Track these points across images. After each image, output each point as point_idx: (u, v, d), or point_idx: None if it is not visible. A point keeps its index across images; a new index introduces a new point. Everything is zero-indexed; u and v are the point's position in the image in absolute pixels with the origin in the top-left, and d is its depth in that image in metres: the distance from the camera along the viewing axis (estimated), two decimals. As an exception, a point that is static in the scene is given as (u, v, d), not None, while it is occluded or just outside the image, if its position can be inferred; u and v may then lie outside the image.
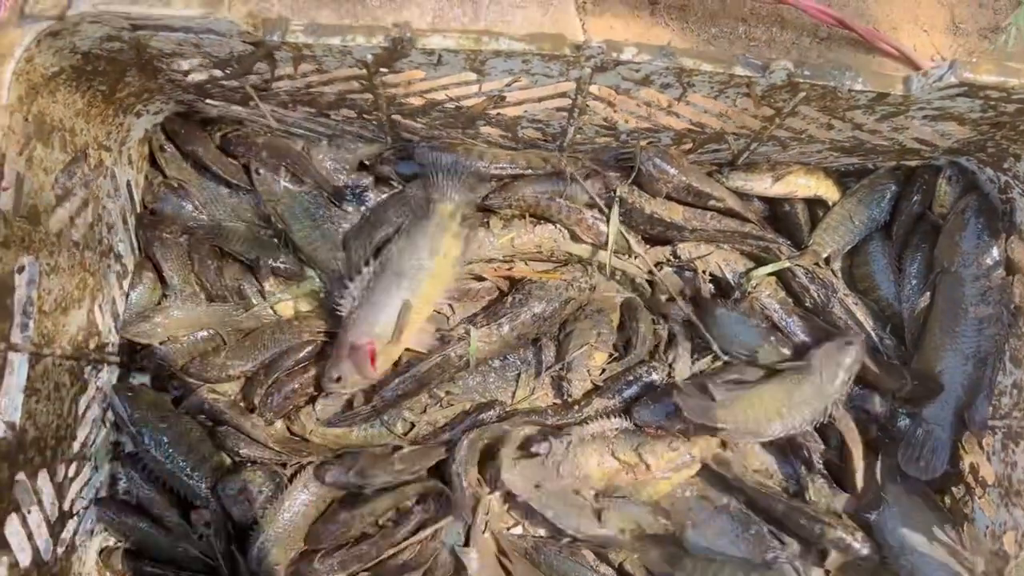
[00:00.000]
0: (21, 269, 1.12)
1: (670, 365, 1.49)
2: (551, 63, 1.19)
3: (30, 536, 1.20)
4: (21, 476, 1.16)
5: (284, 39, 1.14)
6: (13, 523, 1.15)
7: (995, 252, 1.37)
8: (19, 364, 1.13)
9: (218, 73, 1.27)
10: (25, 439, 1.17)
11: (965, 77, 1.11)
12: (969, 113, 1.23)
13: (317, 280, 1.53)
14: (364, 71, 1.23)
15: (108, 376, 1.44)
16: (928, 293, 1.44)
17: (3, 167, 1.05)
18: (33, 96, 1.11)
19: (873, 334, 1.45)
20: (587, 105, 1.32)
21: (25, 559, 1.20)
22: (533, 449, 1.39)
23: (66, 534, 1.32)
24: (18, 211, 1.10)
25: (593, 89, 1.26)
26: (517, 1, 1.69)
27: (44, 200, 1.17)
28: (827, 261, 1.49)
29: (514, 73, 1.22)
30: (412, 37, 1.13)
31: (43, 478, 1.23)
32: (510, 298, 1.49)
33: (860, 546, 1.35)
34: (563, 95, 1.29)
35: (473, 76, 1.24)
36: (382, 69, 1.22)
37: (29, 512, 1.19)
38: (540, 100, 1.32)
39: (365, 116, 1.42)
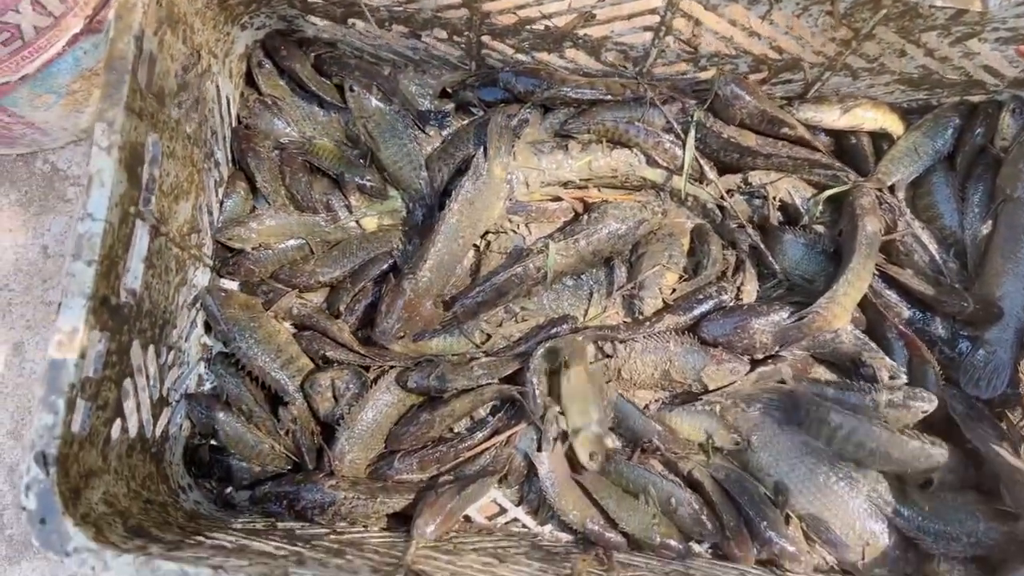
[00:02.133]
0: (148, 145, 1.19)
1: (738, 288, 1.54)
2: (648, -28, 1.26)
3: (139, 407, 1.26)
4: (136, 344, 1.22)
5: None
6: (127, 390, 1.21)
7: (1058, 178, 1.43)
8: (142, 234, 1.20)
9: (330, -21, 1.35)
10: (142, 309, 1.23)
11: (1043, -10, 1.18)
12: (1041, 34, 1.29)
13: (399, 199, 1.59)
14: (471, -23, 1.30)
15: (203, 277, 1.50)
16: (990, 221, 1.50)
17: (142, 41, 1.12)
18: (167, -17, 1.19)
19: (937, 257, 1.51)
20: (672, 25, 1.39)
21: (133, 429, 1.26)
22: (605, 350, 1.46)
23: (162, 420, 1.38)
24: (150, 88, 1.17)
25: (683, 5, 1.34)
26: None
27: (169, 85, 1.24)
28: (892, 190, 1.55)
29: (610, -16, 1.30)
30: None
31: (151, 354, 1.29)
32: (586, 216, 1.56)
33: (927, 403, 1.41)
34: (652, 11, 1.36)
35: (571, -14, 1.32)
36: (490, -26, 1.30)
37: (138, 383, 1.25)
38: (629, 17, 1.39)
39: (455, 38, 1.50)
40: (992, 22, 1.27)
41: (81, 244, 1.06)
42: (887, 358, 1.48)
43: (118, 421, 1.20)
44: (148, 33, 1.14)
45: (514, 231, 1.60)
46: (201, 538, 1.19)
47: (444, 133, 1.62)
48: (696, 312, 1.52)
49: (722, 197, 1.57)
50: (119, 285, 1.14)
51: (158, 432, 1.36)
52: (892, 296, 1.51)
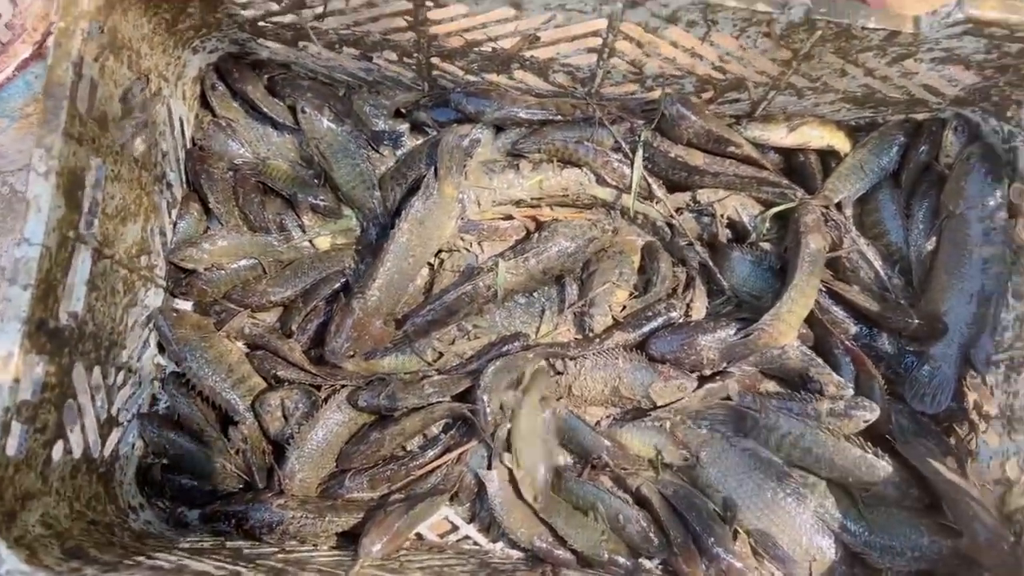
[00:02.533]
0: (90, 169, 1.21)
1: (688, 305, 1.56)
2: (585, -3, 1.28)
3: (83, 427, 1.27)
4: (79, 366, 1.24)
5: (341, -34, 1.24)
6: (72, 410, 1.23)
7: (998, 195, 1.45)
8: (83, 258, 1.21)
9: (273, 6, 1.37)
10: (85, 331, 1.24)
11: (970, 13, 1.20)
12: (974, 55, 1.31)
13: (353, 217, 1.61)
14: (411, 5, 1.32)
15: (155, 298, 1.51)
16: (934, 237, 1.52)
17: (81, 67, 1.14)
18: (109, 10, 1.20)
19: (882, 273, 1.53)
20: (616, 47, 1.41)
21: (77, 450, 1.27)
22: (556, 367, 1.48)
23: (111, 440, 1.39)
24: (91, 113, 1.19)
25: (623, 28, 1.35)
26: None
27: (112, 110, 1.26)
28: (839, 207, 1.57)
29: (551, 7, 1.31)
30: (458, -34, 1.23)
31: (96, 375, 1.30)
32: (537, 235, 1.57)
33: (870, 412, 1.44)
34: (595, 34, 1.38)
35: (512, 12, 1.33)
36: (428, 3, 1.32)
37: (83, 404, 1.26)
38: (573, 39, 1.41)
39: (405, 59, 1.51)
40: (925, 43, 1.29)
41: (17, 269, 1.07)
42: (834, 374, 1.50)
43: (60, 443, 1.21)
44: (88, 59, 1.16)
45: (467, 249, 1.62)
46: (143, 558, 1.20)
47: (398, 153, 1.64)
48: (645, 329, 1.54)
49: (671, 215, 1.58)
50: (58, 308, 1.16)
51: (107, 452, 1.37)
52: (839, 312, 1.53)
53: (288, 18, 1.40)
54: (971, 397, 1.49)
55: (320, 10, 1.36)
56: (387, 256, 1.47)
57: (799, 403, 1.48)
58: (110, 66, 1.23)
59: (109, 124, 1.25)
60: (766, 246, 1.57)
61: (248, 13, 1.40)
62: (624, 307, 1.57)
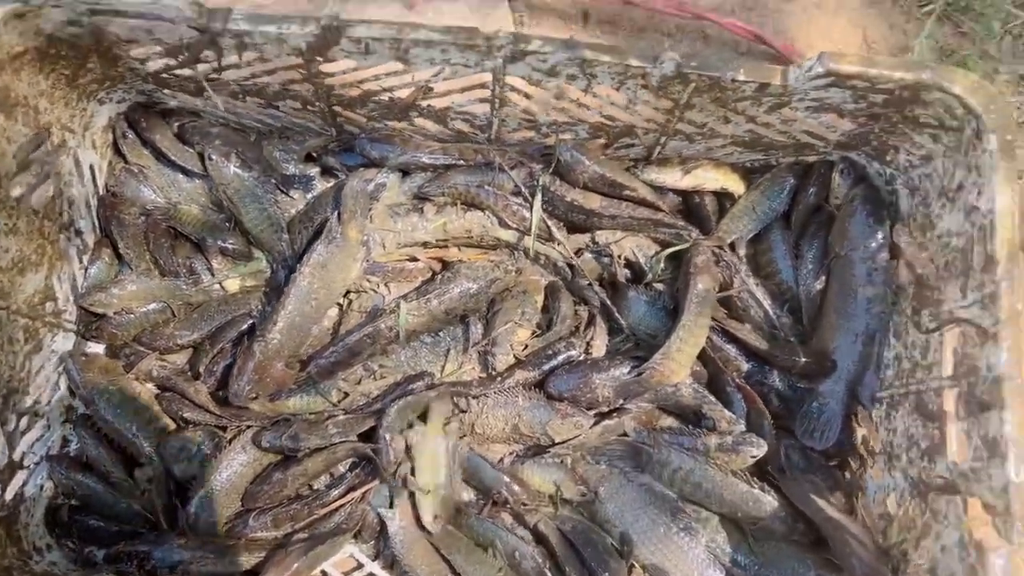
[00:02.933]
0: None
1: (588, 343, 1.60)
2: (467, 53, 1.33)
3: (-21, 475, 1.30)
4: (-28, 416, 1.27)
5: (226, 26, 1.28)
6: (-36, 459, 1.26)
7: (880, 236, 1.49)
8: (-26, 311, 1.25)
9: (172, 61, 1.41)
10: (-23, 381, 1.28)
11: (830, 67, 1.25)
12: (844, 104, 1.36)
13: (263, 260, 1.65)
14: (301, 59, 1.36)
15: (64, 343, 1.54)
16: (823, 277, 1.57)
17: (-33, 129, 1.18)
18: (-1, 71, 1.25)
19: (771, 313, 1.57)
20: (506, 97, 1.45)
21: (-26, 496, 1.30)
22: (460, 406, 1.52)
23: (15, 484, 1.42)
24: (-21, 171, 1.23)
25: (509, 80, 1.40)
26: (460, 14, 1.84)
27: (5, 166, 1.30)
28: (732, 247, 1.61)
29: (436, 63, 1.36)
30: (340, 26, 1.28)
31: (-7, 423, 1.34)
32: (440, 276, 1.62)
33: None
34: (483, 86, 1.43)
35: (400, 66, 1.38)
36: (317, 57, 1.36)
37: (-22, 453, 1.30)
38: (463, 91, 1.46)
39: (309, 107, 1.56)
40: (796, 94, 1.34)
41: None
42: (725, 410, 1.54)
43: (-47, 491, 1.24)
44: (-25, 120, 1.20)
45: (374, 291, 1.66)
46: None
47: (309, 196, 1.68)
48: (545, 367, 1.58)
49: (570, 257, 1.62)
50: (-55, 364, 1.19)
51: (8, 496, 1.40)
52: (731, 350, 1.57)
53: (188, 71, 1.45)
54: (859, 433, 1.53)
55: (215, 64, 1.41)
56: (288, 300, 1.51)
57: (689, 438, 1.52)
58: (1, 124, 1.27)
59: (1, 180, 1.29)
60: (660, 286, 1.62)
61: (149, 66, 1.44)
62: (526, 346, 1.61)
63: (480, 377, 1.61)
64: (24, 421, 1.43)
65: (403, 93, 1.48)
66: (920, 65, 1.26)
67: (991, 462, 1.18)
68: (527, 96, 1.45)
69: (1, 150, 1.28)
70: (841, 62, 1.25)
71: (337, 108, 1.55)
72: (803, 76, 1.28)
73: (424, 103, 1.51)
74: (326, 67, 1.40)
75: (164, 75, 1.47)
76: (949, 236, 1.35)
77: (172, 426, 1.57)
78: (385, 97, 1.50)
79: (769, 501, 1.46)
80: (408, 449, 1.53)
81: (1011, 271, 1.21)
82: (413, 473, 1.52)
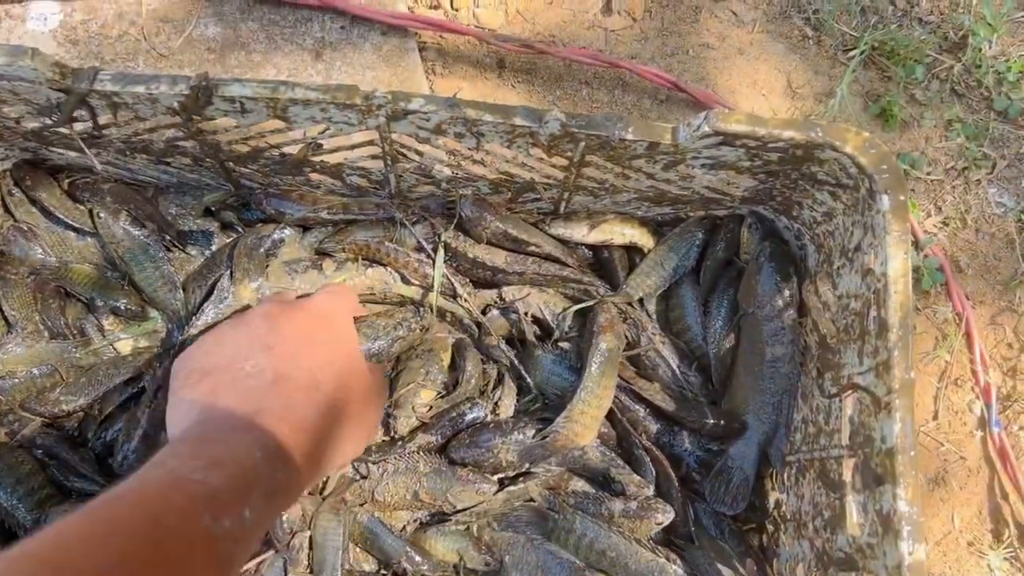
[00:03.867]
0: None
1: (496, 403, 1.54)
2: (347, 112, 1.28)
3: None
4: None
5: (92, 87, 1.23)
6: None
7: (787, 294, 1.45)
8: None
9: (46, 120, 1.36)
10: None
11: (717, 126, 1.21)
12: (739, 162, 1.32)
13: (159, 319, 1.59)
14: (178, 118, 1.32)
15: (-58, 409, 1.48)
16: (732, 335, 1.52)
17: None
18: None
19: (678, 372, 1.52)
20: (400, 153, 1.41)
21: None
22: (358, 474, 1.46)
23: None
24: None
25: (396, 137, 1.36)
26: (368, 63, 1.80)
27: None
28: (641, 303, 1.57)
29: (317, 121, 1.31)
30: (210, 85, 1.23)
31: None
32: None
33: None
34: (371, 143, 1.38)
35: (282, 124, 1.33)
36: (195, 116, 1.31)
37: None
38: (353, 148, 1.41)
39: (201, 163, 1.51)
40: (689, 152, 1.30)
41: None
42: (634, 474, 1.48)
43: None
44: None
45: (273, 350, 1.60)
46: None
47: (207, 253, 1.62)
48: (449, 431, 1.52)
49: (476, 315, 1.57)
50: None
51: None
52: (640, 411, 1.52)
53: (65, 130, 1.40)
54: (773, 497, 1.48)
55: (91, 123, 1.36)
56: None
57: (594, 503, 1.46)
58: None
59: None
60: (566, 345, 1.56)
61: (27, 125, 1.39)
62: (430, 407, 1.55)
63: (381, 440, 1.55)
64: None
65: (293, 149, 1.44)
66: (810, 124, 1.22)
67: (885, 538, 1.13)
68: (419, 153, 1.41)
69: None
70: (728, 121, 1.21)
71: (230, 164, 1.50)
72: (692, 136, 1.24)
73: (316, 159, 1.46)
74: (206, 125, 1.35)
75: (44, 133, 1.42)
76: (848, 298, 1.31)
77: (57, 496, 1.50)
78: (275, 154, 1.45)
79: (675, 570, 1.40)
80: (304, 518, 1.48)
81: (904, 338, 1.16)
82: (310, 547, 1.46)
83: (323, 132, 1.36)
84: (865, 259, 1.26)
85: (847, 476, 1.24)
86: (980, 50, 1.96)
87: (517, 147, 1.35)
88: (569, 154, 1.35)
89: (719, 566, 1.39)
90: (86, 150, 1.42)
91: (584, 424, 1.45)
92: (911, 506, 1.11)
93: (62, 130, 1.40)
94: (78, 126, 1.37)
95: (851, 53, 1.97)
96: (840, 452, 1.27)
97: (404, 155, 1.41)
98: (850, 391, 1.26)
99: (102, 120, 1.34)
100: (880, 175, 1.20)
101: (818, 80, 1.96)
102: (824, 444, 1.33)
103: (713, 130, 1.22)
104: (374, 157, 1.43)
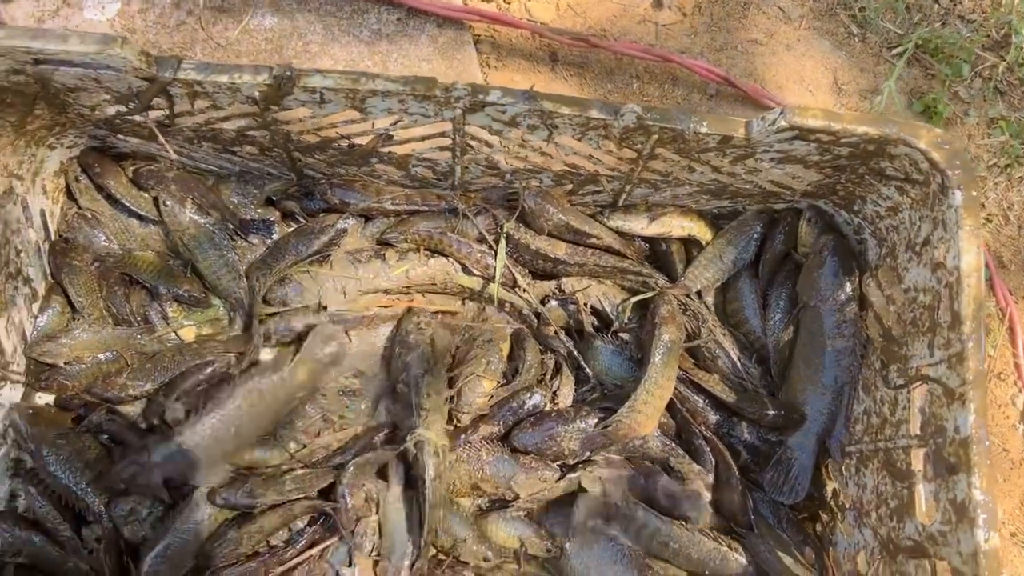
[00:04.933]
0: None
1: (554, 393, 1.56)
2: (425, 103, 1.30)
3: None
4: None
5: (176, 76, 1.25)
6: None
7: (849, 288, 1.47)
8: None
9: (122, 108, 1.38)
10: (-88, 443, 1.23)
11: (794, 121, 1.23)
12: (809, 156, 1.34)
13: (220, 307, 1.60)
14: (255, 108, 1.33)
15: (11, 394, 1.49)
16: (791, 327, 1.54)
17: (-99, 184, 1.14)
18: (-63, 122, 1.20)
19: (739, 364, 1.54)
20: (468, 145, 1.43)
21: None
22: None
23: (-43, 544, 1.37)
24: (-84, 225, 1.18)
25: (469, 129, 1.37)
26: (424, 55, 1.81)
27: (-54, 217, 1.26)
28: (699, 295, 1.59)
29: (393, 112, 1.33)
30: (294, 75, 1.25)
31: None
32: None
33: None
34: (443, 135, 1.40)
35: (357, 114, 1.35)
36: (271, 106, 1.33)
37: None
38: (423, 139, 1.43)
39: (267, 152, 1.52)
40: (760, 146, 1.32)
41: None
42: (694, 463, 1.50)
43: None
44: (-89, 173, 1.16)
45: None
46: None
47: (268, 241, 1.64)
48: (510, 420, 1.54)
49: (536, 305, 1.59)
50: None
51: (-52, 558, 1.35)
52: (699, 401, 1.54)
53: (140, 118, 1.41)
54: (830, 487, 1.50)
55: (167, 112, 1.37)
56: (207, 417, 1.45)
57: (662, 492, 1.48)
58: (-58, 175, 1.23)
59: (-59, 233, 1.25)
60: (626, 336, 1.58)
61: (99, 113, 1.40)
62: (491, 396, 1.57)
63: (446, 429, 1.57)
64: (-34, 479, 1.38)
65: (363, 140, 1.45)
66: (885, 120, 1.24)
67: (959, 526, 1.15)
68: (488, 145, 1.42)
69: (-60, 202, 1.24)
70: (805, 116, 1.24)
71: (296, 154, 1.52)
72: (766, 129, 1.26)
73: (385, 150, 1.48)
74: (281, 115, 1.37)
75: (116, 121, 1.44)
76: (916, 291, 1.33)
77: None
78: (344, 144, 1.46)
79: (736, 559, 1.42)
80: (369, 503, 1.49)
81: (978, 331, 1.18)
82: (379, 534, 1.48)
83: (396, 123, 1.38)
84: (935, 253, 1.28)
85: (916, 465, 1.27)
86: (1023, 48, 1.98)
87: (588, 139, 1.36)
88: (639, 147, 1.37)
89: (779, 553, 1.41)
90: (162, 138, 1.43)
91: (647, 414, 1.47)
92: (985, 495, 1.13)
93: (136, 118, 1.41)
94: (153, 114, 1.39)
95: (895, 50, 1.99)
96: (908, 442, 1.29)
97: (473, 147, 1.43)
98: (920, 382, 1.28)
99: (178, 108, 1.36)
100: (953, 171, 1.23)
101: (863, 77, 1.98)
102: (890, 434, 1.35)
103: (789, 124, 1.24)
104: (442, 149, 1.45)
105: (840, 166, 1.37)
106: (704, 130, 1.28)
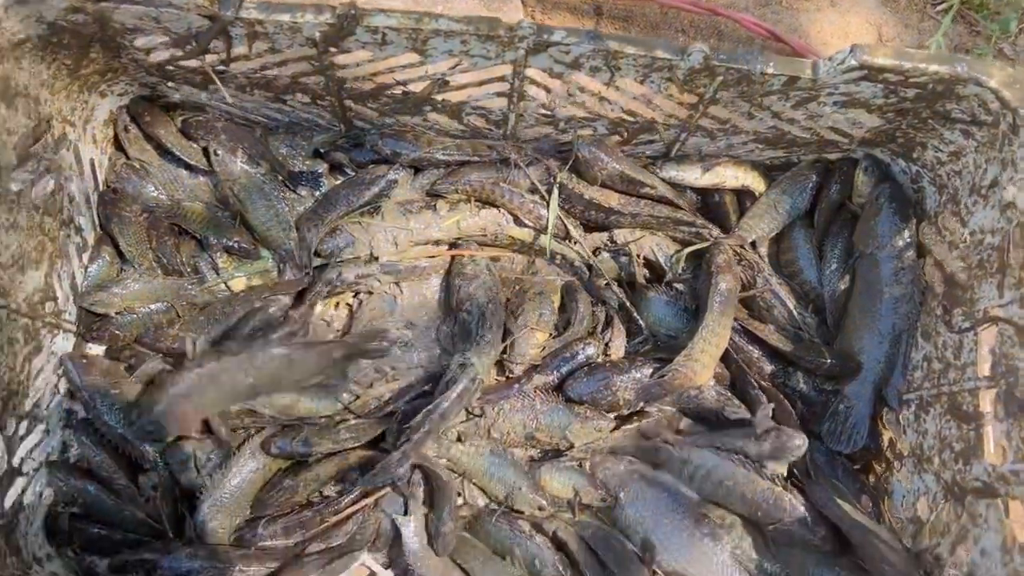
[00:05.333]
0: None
1: (607, 344, 1.56)
2: (488, 44, 1.28)
3: (-23, 482, 1.24)
4: (-30, 420, 1.21)
5: (238, 14, 1.23)
6: (-38, 464, 1.20)
7: (907, 235, 1.46)
8: (-27, 310, 1.19)
9: (178, 52, 1.36)
10: (-24, 384, 1.22)
11: (864, 59, 1.22)
12: (874, 99, 1.33)
13: (270, 259, 1.59)
14: (314, 50, 1.32)
15: (64, 344, 1.48)
16: (847, 276, 1.53)
17: (-33, 120, 1.13)
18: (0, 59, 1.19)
19: (795, 313, 1.54)
20: (525, 91, 1.41)
21: (-29, 505, 1.24)
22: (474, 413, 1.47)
23: (14, 491, 1.36)
24: (-21, 164, 1.17)
25: (529, 72, 1.36)
26: (470, 7, 1.79)
27: (4, 159, 1.24)
28: (753, 245, 1.58)
29: (454, 54, 1.32)
30: (357, 14, 1.23)
31: (-8, 428, 1.28)
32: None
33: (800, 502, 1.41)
34: (501, 79, 1.38)
35: (417, 57, 1.34)
36: (331, 48, 1.31)
37: (-24, 459, 1.24)
38: (481, 84, 1.41)
39: (319, 102, 1.51)
40: (825, 88, 1.31)
41: None
42: (749, 413, 1.50)
43: (-51, 500, 1.18)
44: (-26, 110, 1.15)
45: (385, 292, 1.61)
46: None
47: (317, 193, 1.63)
48: (563, 370, 1.53)
49: (588, 256, 1.58)
50: (-56, 363, 1.13)
51: (7, 504, 1.34)
52: (754, 351, 1.53)
53: (194, 63, 1.39)
54: (886, 436, 1.50)
55: (224, 55, 1.36)
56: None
57: (727, 438, 1.47)
58: (2, 114, 1.22)
59: (1, 173, 1.24)
60: (680, 286, 1.58)
61: (153, 58, 1.39)
62: (544, 347, 1.57)
63: (497, 381, 1.56)
64: (24, 425, 1.37)
65: (418, 87, 1.44)
66: (955, 58, 1.23)
67: (1033, 465, 1.15)
68: (546, 90, 1.41)
69: (2, 142, 1.23)
70: (875, 55, 1.22)
71: (348, 102, 1.50)
72: (834, 69, 1.25)
73: (439, 97, 1.46)
74: (339, 59, 1.35)
75: (169, 67, 1.42)
76: (983, 233, 1.32)
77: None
78: (399, 91, 1.45)
79: (789, 499, 1.41)
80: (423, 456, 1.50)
81: (1052, 268, 1.18)
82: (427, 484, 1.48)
83: (455, 67, 1.36)
84: (1003, 194, 1.27)
85: (985, 407, 1.26)
86: (1068, 4, 1.97)
87: (651, 82, 1.35)
88: (701, 90, 1.35)
89: (839, 501, 1.41)
90: (218, 81, 1.42)
91: (703, 363, 1.46)
92: (1061, 432, 1.13)
93: (190, 63, 1.40)
94: (209, 58, 1.37)
95: (940, 6, 1.97)
96: (976, 384, 1.28)
97: (530, 94, 1.42)
98: (988, 324, 1.27)
99: (236, 52, 1.34)
100: (1025, 109, 1.21)
101: (908, 33, 1.97)
102: (954, 378, 1.34)
103: (859, 63, 1.22)
104: (499, 94, 1.43)
105: (903, 110, 1.35)
106: (771, 70, 1.27)
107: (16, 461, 1.36)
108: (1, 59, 1.19)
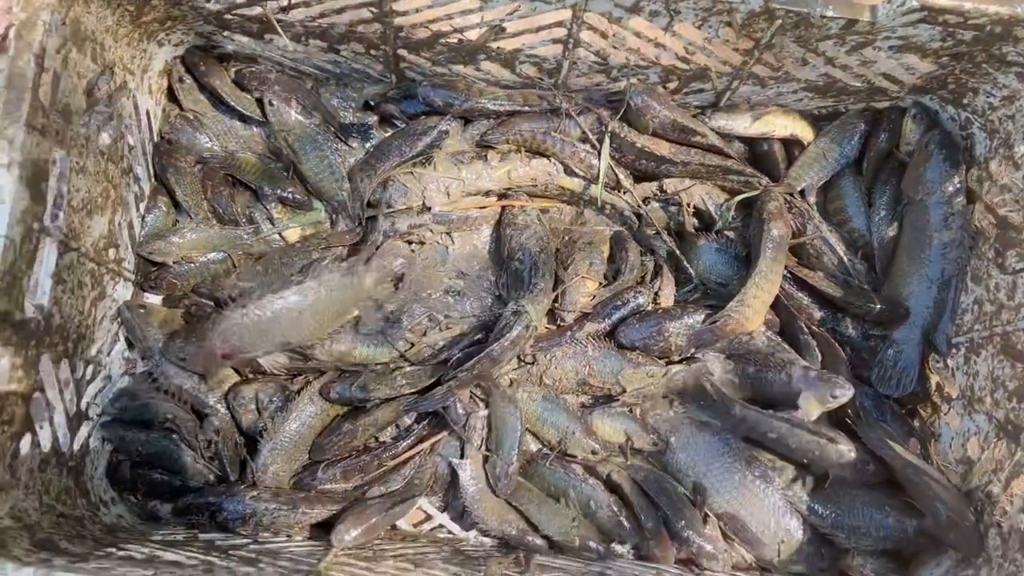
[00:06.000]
0: (54, 161, 1.21)
1: (656, 293, 1.58)
2: (549, -14, 1.29)
3: (51, 421, 1.26)
4: (46, 359, 1.23)
5: (303, -43, 1.24)
6: (39, 404, 1.22)
7: (957, 181, 1.48)
8: (49, 250, 1.21)
9: (238, -1, 1.37)
10: (52, 324, 1.24)
11: (924, 0, 1.23)
12: (930, 43, 1.34)
13: (322, 210, 1.61)
14: (376, -5, 1.33)
15: (123, 292, 1.50)
16: (896, 223, 1.55)
17: (43, 59, 1.14)
18: (71, 2, 1.20)
19: (845, 259, 1.56)
20: (581, 38, 1.42)
21: (46, 443, 1.26)
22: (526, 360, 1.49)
23: (81, 434, 1.39)
24: (54, 105, 1.18)
25: (587, 18, 1.37)
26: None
27: (76, 103, 1.26)
28: (802, 194, 1.59)
29: (513, -1, 1.33)
30: (422, -44, 1.24)
31: (64, 369, 1.30)
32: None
33: (847, 450, 1.43)
34: (559, 24, 1.40)
35: (476, 3, 1.35)
36: (406, -10, 1.32)
37: (51, 398, 1.26)
38: (538, 30, 1.42)
39: (372, 52, 1.52)
40: (883, 31, 1.32)
41: (-20, 261, 1.07)
42: (800, 359, 1.52)
43: (28, 436, 1.21)
44: (50, 51, 1.16)
45: (437, 241, 1.63)
46: (113, 550, 1.20)
47: (367, 145, 1.64)
48: (614, 317, 1.55)
49: (638, 205, 1.60)
50: (23, 300, 1.15)
51: (76, 447, 1.37)
52: (804, 298, 1.55)
53: (253, 10, 1.41)
54: (934, 380, 1.52)
55: (285, 2, 1.37)
56: (272, 302, 1.42)
57: (771, 366, 1.50)
58: (73, 58, 1.23)
59: (73, 116, 1.25)
60: (731, 234, 1.59)
61: (213, 6, 1.40)
62: (594, 296, 1.59)
63: (548, 329, 1.58)
64: (90, 370, 1.40)
65: (473, 35, 1.45)
66: (1016, -2, 1.24)
67: (1092, 397, 1.17)
68: (603, 36, 1.42)
69: (72, 85, 1.24)
70: (936, -5, 1.23)
71: (402, 52, 1.51)
72: (894, 12, 1.26)
73: (494, 45, 1.47)
74: (400, 4, 1.36)
75: (227, 15, 1.43)
76: (1038, 175, 1.34)
77: (234, 378, 1.54)
78: (455, 39, 1.46)
79: (835, 449, 1.43)
80: (476, 402, 1.52)
81: (1112, 205, 1.20)
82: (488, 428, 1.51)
83: (514, 12, 1.37)
84: (1060, 135, 1.28)
85: (1041, 344, 1.28)
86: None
87: (708, 27, 1.36)
88: (758, 35, 1.36)
89: (890, 443, 1.43)
90: (279, 28, 1.43)
91: (755, 308, 1.49)
92: (1122, 364, 1.15)
93: (248, 12, 1.41)
94: (270, 5, 1.38)
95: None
96: (1031, 322, 1.31)
97: (585, 41, 1.43)
98: (1045, 262, 1.29)
99: (297, -2, 1.36)
100: (1085, 48, 1.23)
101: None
102: (1007, 318, 1.37)
103: (920, 4, 1.23)
104: (555, 41, 1.45)
105: (959, 54, 1.36)
106: (831, 13, 1.28)
107: (83, 404, 1.39)
108: (72, 2, 1.20)
